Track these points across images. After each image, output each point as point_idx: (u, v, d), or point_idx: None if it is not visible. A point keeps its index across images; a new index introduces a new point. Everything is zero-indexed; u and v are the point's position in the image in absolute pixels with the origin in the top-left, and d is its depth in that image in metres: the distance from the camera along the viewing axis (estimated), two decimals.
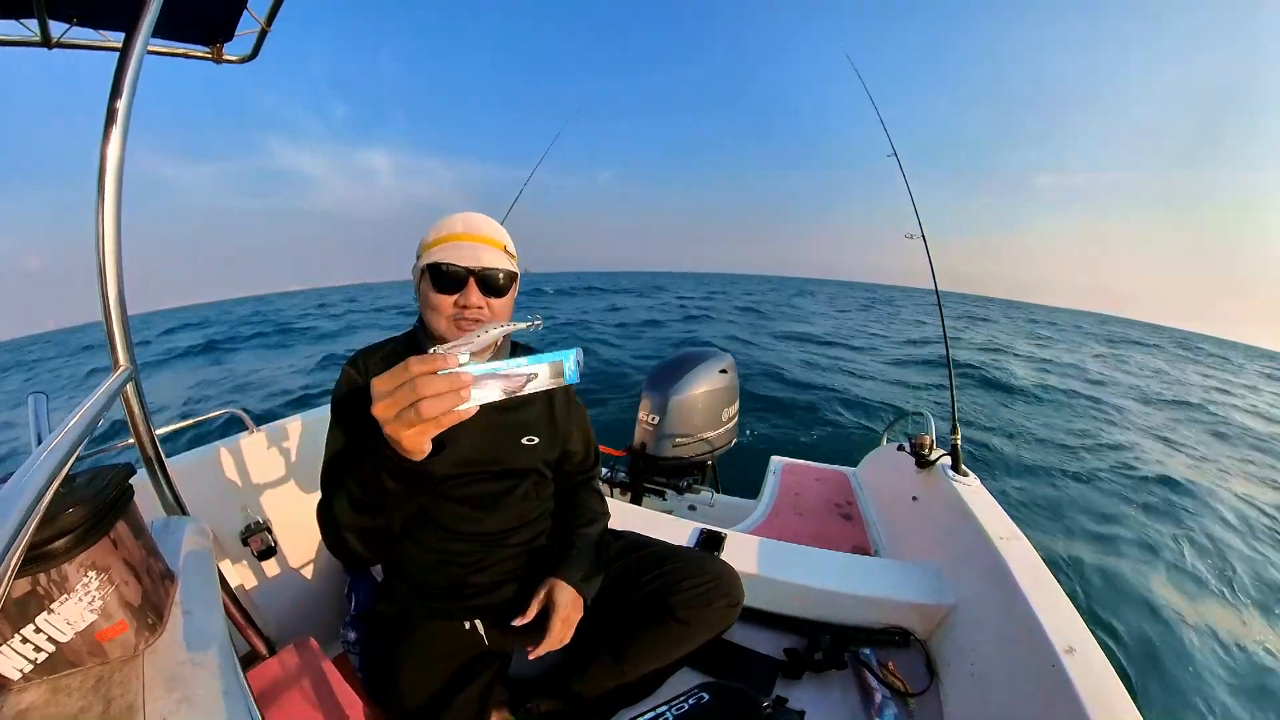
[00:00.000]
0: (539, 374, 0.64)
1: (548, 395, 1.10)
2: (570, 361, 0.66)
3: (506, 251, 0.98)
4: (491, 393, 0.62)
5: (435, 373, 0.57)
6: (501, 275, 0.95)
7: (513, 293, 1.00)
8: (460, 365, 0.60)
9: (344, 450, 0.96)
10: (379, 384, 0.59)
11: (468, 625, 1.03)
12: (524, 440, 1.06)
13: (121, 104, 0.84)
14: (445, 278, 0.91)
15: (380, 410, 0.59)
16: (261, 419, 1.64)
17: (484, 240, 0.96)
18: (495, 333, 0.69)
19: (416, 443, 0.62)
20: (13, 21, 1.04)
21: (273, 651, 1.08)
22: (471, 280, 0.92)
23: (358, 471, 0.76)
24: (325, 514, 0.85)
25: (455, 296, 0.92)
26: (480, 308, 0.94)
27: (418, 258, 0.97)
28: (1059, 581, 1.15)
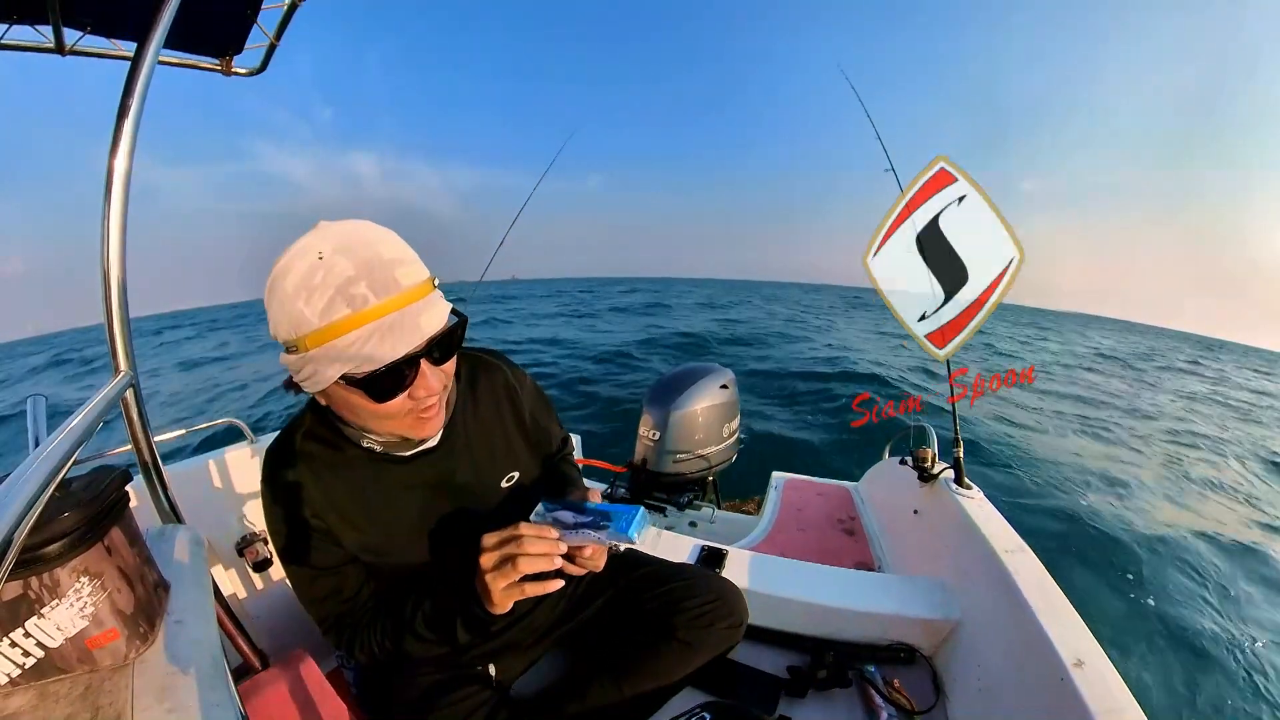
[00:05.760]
0: (604, 537, 0.74)
1: (516, 415, 0.98)
2: (637, 521, 0.73)
3: (430, 278, 0.68)
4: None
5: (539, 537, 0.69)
6: (455, 326, 0.69)
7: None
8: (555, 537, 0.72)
9: (326, 582, 0.82)
10: (488, 538, 0.72)
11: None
12: (504, 484, 0.95)
13: (131, 113, 0.85)
14: (387, 383, 0.64)
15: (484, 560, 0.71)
16: (260, 429, 1.63)
17: (412, 295, 0.63)
18: (592, 540, 0.74)
19: (504, 597, 0.70)
20: (27, 27, 1.06)
21: (265, 665, 1.06)
22: (423, 363, 0.66)
23: (419, 620, 0.80)
24: (366, 655, 0.84)
25: (408, 391, 0.67)
26: (445, 386, 0.72)
27: (293, 349, 0.63)
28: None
